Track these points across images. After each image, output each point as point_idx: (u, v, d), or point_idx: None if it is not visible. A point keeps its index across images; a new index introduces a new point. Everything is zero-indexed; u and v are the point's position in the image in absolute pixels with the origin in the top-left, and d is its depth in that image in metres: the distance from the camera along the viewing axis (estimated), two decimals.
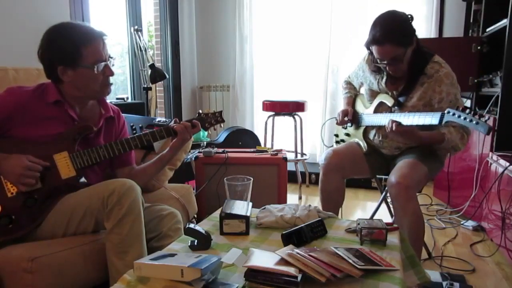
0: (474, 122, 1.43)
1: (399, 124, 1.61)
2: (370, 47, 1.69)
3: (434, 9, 3.50)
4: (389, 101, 1.80)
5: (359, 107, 2.04)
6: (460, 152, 2.69)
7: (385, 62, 1.66)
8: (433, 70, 1.68)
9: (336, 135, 2.17)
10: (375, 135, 1.89)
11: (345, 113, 1.99)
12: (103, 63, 1.38)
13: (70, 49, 1.32)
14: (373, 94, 1.92)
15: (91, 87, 1.39)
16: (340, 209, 1.94)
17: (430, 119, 1.58)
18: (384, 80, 1.82)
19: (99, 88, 1.41)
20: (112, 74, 1.42)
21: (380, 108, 1.86)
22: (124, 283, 0.95)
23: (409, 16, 1.65)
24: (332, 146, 2.06)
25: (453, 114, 1.50)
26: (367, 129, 1.95)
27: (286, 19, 3.98)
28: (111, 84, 1.46)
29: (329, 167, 1.83)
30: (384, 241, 1.17)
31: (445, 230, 2.50)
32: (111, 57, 1.43)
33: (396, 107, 1.79)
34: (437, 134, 1.66)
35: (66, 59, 1.33)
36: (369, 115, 1.93)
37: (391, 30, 1.59)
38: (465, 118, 1.45)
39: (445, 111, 1.53)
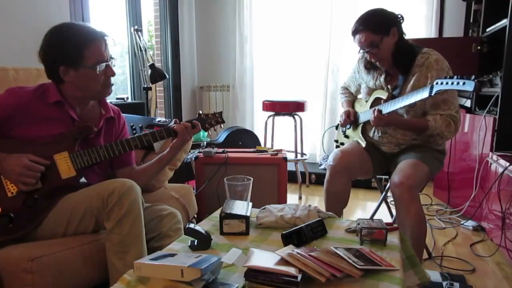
0: (461, 83, 1.48)
1: (380, 111, 1.73)
2: (354, 40, 1.80)
3: (434, 9, 3.50)
4: (383, 95, 1.84)
5: (357, 109, 2.07)
6: (460, 151, 2.73)
7: (366, 50, 1.77)
8: (423, 59, 1.74)
9: (336, 141, 2.19)
10: (374, 132, 1.91)
11: (347, 114, 2.02)
12: (104, 64, 1.38)
13: (72, 49, 1.32)
14: (369, 92, 1.95)
15: (93, 87, 1.40)
16: None
17: (420, 94, 1.63)
18: (382, 76, 1.86)
19: (101, 89, 1.42)
20: (113, 74, 1.43)
21: (376, 103, 1.88)
22: (124, 283, 0.95)
23: (399, 16, 1.77)
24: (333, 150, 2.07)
25: (441, 83, 1.55)
26: (366, 127, 1.96)
27: (286, 19, 3.98)
28: (112, 84, 1.46)
29: (336, 169, 1.83)
30: (384, 241, 1.17)
31: (445, 230, 2.50)
32: (112, 58, 1.43)
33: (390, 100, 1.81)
34: (422, 121, 1.74)
35: (68, 60, 1.34)
36: (363, 112, 1.97)
37: (366, 19, 1.75)
38: (452, 83, 1.51)
39: (434, 82, 1.58)
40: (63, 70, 1.35)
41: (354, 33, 1.77)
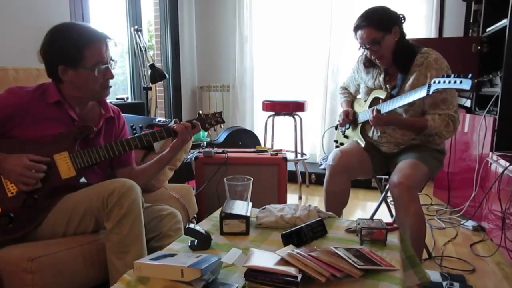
0: (458, 82, 1.48)
1: (378, 111, 1.73)
2: (355, 36, 1.80)
3: (434, 9, 3.50)
4: (382, 95, 1.84)
5: (357, 109, 2.07)
6: (460, 151, 2.73)
7: (367, 47, 1.76)
8: (422, 59, 1.75)
9: (336, 141, 2.19)
10: (373, 132, 1.91)
11: (346, 113, 2.02)
12: (104, 66, 1.38)
13: (72, 49, 1.32)
14: (368, 92, 1.96)
15: (91, 88, 1.39)
16: None
17: (418, 93, 1.63)
18: (382, 76, 1.86)
19: (99, 89, 1.41)
20: (112, 77, 1.42)
21: (375, 103, 1.88)
22: (124, 283, 0.95)
23: (401, 15, 1.77)
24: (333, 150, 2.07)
25: (439, 82, 1.55)
26: (366, 127, 1.96)
27: (286, 19, 3.98)
28: (111, 86, 1.46)
29: (336, 168, 1.83)
30: (384, 241, 1.17)
31: (445, 230, 2.50)
32: (113, 60, 1.43)
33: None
34: (421, 120, 1.74)
35: (68, 59, 1.34)
36: (362, 112, 1.97)
37: (369, 16, 1.75)
38: (449, 82, 1.51)
39: (431, 81, 1.58)
40: (62, 69, 1.35)
41: (356, 28, 1.77)
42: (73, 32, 1.35)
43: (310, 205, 1.40)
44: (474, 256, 2.12)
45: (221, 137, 3.35)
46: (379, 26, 1.72)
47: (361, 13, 1.77)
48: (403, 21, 1.77)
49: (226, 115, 4.14)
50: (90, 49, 1.34)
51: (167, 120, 1.95)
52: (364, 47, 1.78)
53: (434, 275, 1.85)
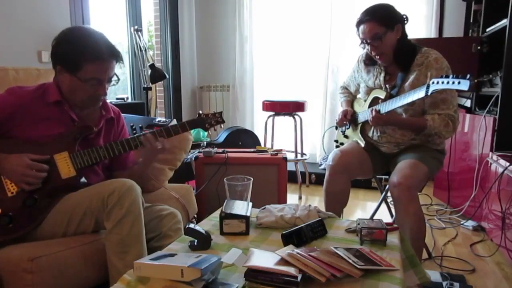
0: (456, 82, 1.48)
1: (378, 111, 1.74)
2: (357, 31, 1.80)
3: (434, 9, 3.50)
4: (382, 94, 1.84)
5: (356, 108, 2.07)
6: (460, 151, 2.73)
7: (368, 42, 1.76)
8: (422, 58, 1.75)
9: (336, 141, 2.19)
10: (373, 132, 1.91)
11: (345, 113, 2.02)
12: (99, 82, 1.37)
13: (74, 58, 1.32)
14: (368, 92, 1.95)
15: (80, 97, 1.39)
16: None
17: (417, 94, 1.63)
18: (382, 75, 1.86)
19: (88, 100, 1.41)
20: (104, 94, 1.42)
21: (374, 103, 1.88)
22: (124, 283, 0.95)
23: (404, 16, 1.77)
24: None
25: (437, 83, 1.55)
26: (365, 127, 1.96)
27: (286, 19, 3.98)
28: (102, 99, 1.45)
29: (336, 168, 1.83)
30: (384, 241, 1.17)
31: (445, 230, 2.50)
32: (117, 76, 1.43)
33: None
34: (420, 120, 1.74)
35: (67, 64, 1.34)
36: (362, 112, 1.97)
37: (373, 11, 1.75)
38: (448, 82, 1.51)
39: (430, 82, 1.58)
40: (59, 69, 1.36)
41: (359, 23, 1.77)
42: (83, 42, 1.34)
43: (310, 205, 1.40)
44: (474, 256, 2.12)
45: (221, 137, 3.35)
46: (381, 21, 1.72)
47: (365, 8, 1.77)
48: (406, 21, 1.78)
49: (226, 115, 4.14)
50: (91, 65, 1.33)
51: (167, 120, 1.95)
52: (365, 43, 1.78)
53: (434, 275, 1.85)
